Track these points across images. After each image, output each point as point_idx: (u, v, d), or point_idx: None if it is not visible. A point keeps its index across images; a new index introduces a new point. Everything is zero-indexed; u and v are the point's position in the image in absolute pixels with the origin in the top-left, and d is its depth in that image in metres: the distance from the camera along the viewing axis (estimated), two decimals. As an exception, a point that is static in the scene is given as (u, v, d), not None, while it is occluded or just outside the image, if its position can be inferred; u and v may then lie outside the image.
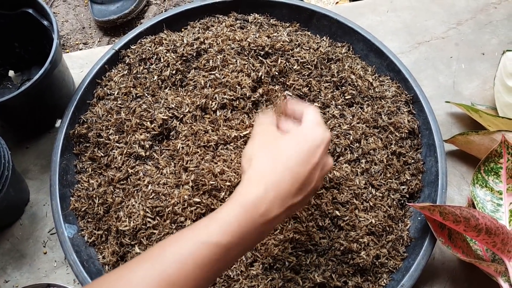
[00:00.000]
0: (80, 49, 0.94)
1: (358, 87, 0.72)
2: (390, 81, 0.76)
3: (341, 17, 0.78)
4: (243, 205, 0.45)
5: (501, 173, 0.70)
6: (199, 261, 0.42)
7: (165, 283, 0.41)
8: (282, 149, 0.49)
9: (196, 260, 0.42)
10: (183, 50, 0.72)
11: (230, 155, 0.64)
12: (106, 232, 0.65)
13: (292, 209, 0.49)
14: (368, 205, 0.65)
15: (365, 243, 0.62)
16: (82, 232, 0.65)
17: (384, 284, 0.63)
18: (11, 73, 0.83)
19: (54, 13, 0.97)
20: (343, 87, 0.72)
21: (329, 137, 0.51)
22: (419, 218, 0.67)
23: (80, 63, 0.86)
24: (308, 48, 0.74)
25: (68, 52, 0.92)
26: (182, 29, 0.79)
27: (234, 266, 0.60)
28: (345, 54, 0.77)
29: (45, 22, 0.71)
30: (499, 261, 0.66)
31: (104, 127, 0.69)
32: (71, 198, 0.67)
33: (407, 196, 0.68)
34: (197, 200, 0.61)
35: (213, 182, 0.62)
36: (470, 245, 0.67)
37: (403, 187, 0.68)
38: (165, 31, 0.78)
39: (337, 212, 0.63)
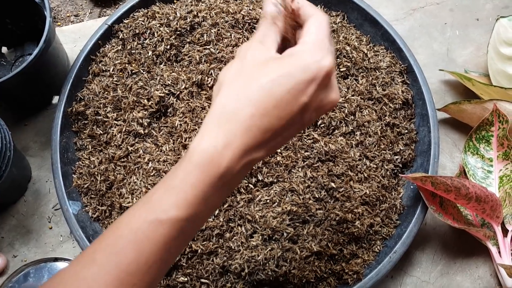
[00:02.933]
0: (72, 22, 0.93)
1: (353, 59, 0.72)
2: (385, 50, 0.76)
3: (335, -14, 0.77)
4: (198, 165, 0.37)
5: (492, 141, 0.72)
6: (158, 242, 0.36)
7: (124, 274, 0.36)
8: (260, 80, 0.37)
9: (155, 241, 0.36)
10: (177, 24, 0.72)
11: (227, 131, 0.65)
12: (109, 208, 0.66)
13: (261, 158, 0.39)
14: (362, 176, 0.66)
15: (360, 213, 0.65)
16: (86, 208, 0.67)
17: (377, 251, 0.66)
18: (4, 49, 0.82)
19: (42, -16, 0.94)
20: (338, 59, 0.72)
21: (329, 66, 0.37)
22: (411, 187, 0.69)
23: (73, 38, 0.85)
24: (302, 20, 0.73)
25: (59, 25, 0.91)
26: (175, 1, 0.78)
27: (235, 237, 0.62)
28: (340, 24, 0.77)
29: (36, -1, 0.70)
30: (488, 225, 0.70)
31: (101, 105, 0.69)
32: (73, 175, 0.69)
33: (400, 165, 0.70)
34: (197, 176, 0.63)
35: (212, 158, 0.63)
36: (461, 211, 0.70)
37: (397, 157, 0.70)
38: (157, 3, 0.77)
39: (332, 184, 0.65)
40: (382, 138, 0.69)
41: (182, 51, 0.71)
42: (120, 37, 0.74)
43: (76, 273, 0.37)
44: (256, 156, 0.38)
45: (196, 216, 0.37)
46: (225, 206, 0.63)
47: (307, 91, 0.37)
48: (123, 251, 0.36)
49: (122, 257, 0.36)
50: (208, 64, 0.69)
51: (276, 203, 0.64)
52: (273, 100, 0.36)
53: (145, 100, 0.68)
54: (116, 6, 0.94)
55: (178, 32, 0.72)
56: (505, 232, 0.68)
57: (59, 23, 0.92)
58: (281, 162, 0.65)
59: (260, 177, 0.64)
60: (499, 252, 0.67)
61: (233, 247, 0.62)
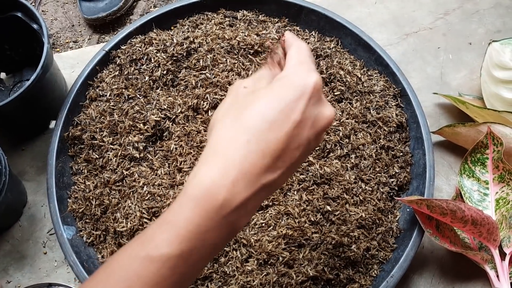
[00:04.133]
0: (71, 48, 0.94)
1: (347, 83, 0.73)
2: (379, 75, 0.77)
3: (329, 12, 0.79)
4: (194, 197, 0.34)
5: (488, 164, 0.72)
6: (150, 281, 0.34)
7: None
8: (252, 107, 0.37)
9: (146, 280, 0.34)
10: (173, 50, 0.73)
11: (222, 155, 0.65)
12: (104, 232, 0.66)
13: (270, 187, 0.37)
14: (358, 199, 0.66)
15: (356, 236, 0.64)
16: (81, 233, 0.67)
17: (374, 275, 0.65)
18: (2, 75, 0.83)
19: (43, 11, 0.96)
20: (332, 83, 0.73)
21: (315, 81, 0.38)
22: (407, 210, 0.69)
23: (71, 63, 0.87)
24: (297, 45, 0.74)
25: (58, 51, 0.92)
26: (172, 27, 0.80)
27: (230, 262, 0.62)
28: (334, 49, 0.78)
29: (35, 26, 0.72)
30: (486, 248, 0.69)
31: (97, 129, 0.70)
32: (68, 200, 0.69)
33: (396, 188, 0.70)
34: (192, 200, 0.63)
35: (207, 182, 0.63)
36: (458, 234, 0.69)
37: (392, 180, 0.70)
38: (154, 30, 0.78)
39: (328, 207, 0.65)
40: (377, 161, 0.69)
41: (179, 76, 0.72)
42: (117, 62, 0.75)
43: None
44: (263, 182, 0.36)
45: (190, 253, 0.34)
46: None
47: (297, 108, 0.36)
48: None
49: None
50: (204, 89, 0.70)
51: (271, 227, 0.64)
52: (267, 123, 0.36)
53: (141, 124, 0.68)
54: (115, 32, 0.96)
55: (174, 58, 0.73)
56: (503, 255, 0.68)
57: (58, 49, 0.94)
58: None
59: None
60: (497, 276, 0.67)
61: (228, 272, 0.62)
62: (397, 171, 0.70)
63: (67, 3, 1.00)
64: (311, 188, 0.66)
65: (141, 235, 0.36)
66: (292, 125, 0.36)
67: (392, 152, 0.71)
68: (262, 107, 0.37)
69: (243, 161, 0.35)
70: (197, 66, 0.72)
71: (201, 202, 0.34)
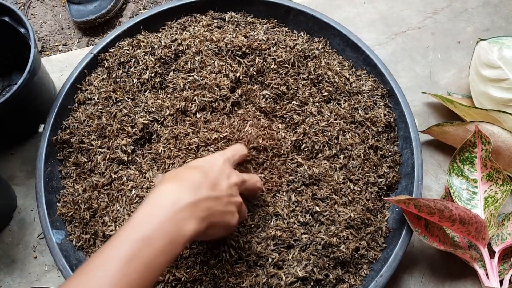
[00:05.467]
0: (60, 51, 0.94)
1: (335, 84, 0.73)
2: (367, 75, 0.77)
3: (317, 13, 0.79)
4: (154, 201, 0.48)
5: (476, 162, 0.73)
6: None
7: None
8: (188, 166, 0.55)
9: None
10: (161, 52, 0.73)
11: (211, 157, 0.66)
12: (93, 236, 0.66)
13: (209, 208, 0.50)
14: (347, 199, 0.66)
15: (345, 236, 0.64)
16: (70, 237, 0.67)
17: (364, 275, 0.65)
18: (-9, 79, 0.83)
19: (32, 14, 0.96)
20: (320, 84, 0.73)
21: (222, 160, 0.56)
22: (396, 209, 0.69)
23: (60, 67, 0.86)
24: (284, 47, 0.75)
25: (48, 54, 0.92)
26: (160, 30, 0.80)
27: (220, 264, 0.62)
28: (322, 50, 0.78)
29: (22, 30, 0.72)
30: (475, 247, 0.69)
31: (86, 133, 0.70)
32: (57, 204, 0.69)
33: (385, 188, 0.70)
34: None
35: (195, 185, 0.63)
36: (447, 232, 0.69)
37: (381, 179, 0.70)
38: (142, 33, 0.78)
39: (317, 208, 0.65)
40: (365, 161, 0.69)
41: (167, 78, 0.72)
42: (105, 65, 0.75)
43: None
44: (203, 193, 0.51)
45: (152, 238, 0.45)
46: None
47: (215, 167, 0.55)
48: None
49: None
50: (192, 91, 0.70)
51: (260, 228, 0.64)
52: (201, 166, 0.54)
53: (129, 127, 0.68)
54: (104, 35, 0.96)
55: (162, 60, 0.73)
56: (492, 253, 0.68)
57: (47, 53, 0.93)
58: (265, 186, 0.65)
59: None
60: (487, 274, 0.67)
61: (217, 274, 0.62)
62: (385, 170, 0.70)
63: (56, 6, 0.99)
64: (300, 189, 0.66)
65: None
66: (217, 171, 0.55)
67: (381, 152, 0.71)
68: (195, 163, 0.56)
69: (187, 179, 0.50)
70: (185, 68, 0.72)
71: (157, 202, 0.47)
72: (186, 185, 0.49)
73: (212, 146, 0.67)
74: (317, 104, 0.72)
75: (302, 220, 0.65)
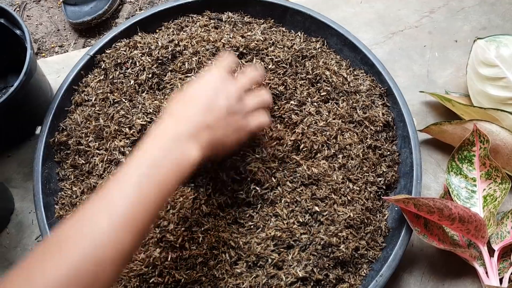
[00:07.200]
0: (56, 52, 0.93)
1: (333, 83, 0.73)
2: (365, 74, 0.77)
3: (314, 12, 0.79)
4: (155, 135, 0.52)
5: (474, 161, 0.73)
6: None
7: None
8: (185, 93, 0.57)
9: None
10: (158, 53, 0.73)
11: (209, 158, 0.65)
12: (92, 238, 0.66)
13: (209, 134, 0.53)
14: (346, 199, 0.66)
15: (344, 236, 0.64)
16: (68, 239, 0.66)
17: (364, 275, 0.65)
18: (-13, 81, 0.82)
19: (27, 16, 0.96)
20: (318, 84, 0.73)
21: (217, 77, 0.58)
22: (396, 209, 0.69)
23: (56, 68, 0.86)
24: (282, 46, 0.74)
25: (44, 56, 0.91)
26: (157, 30, 0.79)
27: (219, 265, 0.62)
28: (320, 50, 0.78)
29: (18, 32, 0.71)
30: (475, 245, 0.69)
31: (83, 134, 0.69)
32: (55, 206, 0.68)
33: (384, 187, 0.70)
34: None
35: (194, 186, 0.63)
36: (446, 231, 0.69)
37: (380, 179, 0.70)
38: (139, 34, 0.78)
39: (316, 208, 0.65)
40: (364, 161, 0.69)
41: (164, 79, 0.72)
42: (102, 67, 0.74)
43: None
44: (200, 118, 0.54)
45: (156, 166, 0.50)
46: (206, 227, 0.62)
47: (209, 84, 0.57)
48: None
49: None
50: (189, 92, 0.69)
51: (260, 229, 0.63)
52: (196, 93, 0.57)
53: (127, 129, 0.68)
54: (101, 36, 0.95)
55: (159, 61, 0.73)
56: (491, 252, 0.68)
57: (43, 54, 0.93)
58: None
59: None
60: (486, 273, 0.67)
61: (217, 275, 0.61)
62: (384, 170, 0.70)
63: (52, 7, 0.99)
64: (299, 189, 0.66)
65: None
66: (210, 91, 0.56)
67: (379, 151, 0.71)
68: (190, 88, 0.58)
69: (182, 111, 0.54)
70: (182, 69, 0.72)
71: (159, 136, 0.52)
72: (182, 120, 0.53)
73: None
74: (315, 104, 0.72)
75: (301, 220, 0.64)
